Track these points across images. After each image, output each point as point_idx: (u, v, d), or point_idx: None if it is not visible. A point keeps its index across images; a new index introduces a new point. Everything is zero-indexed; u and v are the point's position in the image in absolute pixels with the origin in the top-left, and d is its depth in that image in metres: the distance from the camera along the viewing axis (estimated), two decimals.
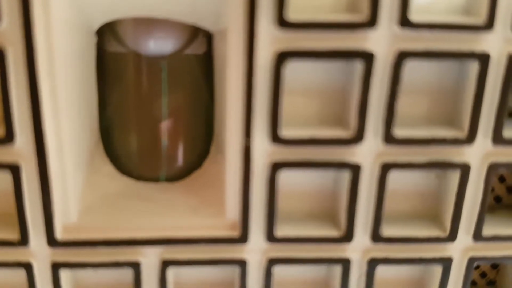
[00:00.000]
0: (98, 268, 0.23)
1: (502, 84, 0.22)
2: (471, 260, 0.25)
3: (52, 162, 0.22)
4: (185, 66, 0.26)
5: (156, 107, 0.26)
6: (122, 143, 0.27)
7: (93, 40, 0.25)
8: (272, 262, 0.24)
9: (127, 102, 0.26)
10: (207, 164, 0.27)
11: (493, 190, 0.28)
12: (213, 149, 0.27)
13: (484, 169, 0.24)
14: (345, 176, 0.23)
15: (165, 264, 0.24)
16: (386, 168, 0.23)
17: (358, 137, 0.22)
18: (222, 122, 0.24)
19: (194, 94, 0.26)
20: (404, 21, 0.21)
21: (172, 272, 0.24)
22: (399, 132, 0.23)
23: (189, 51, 0.26)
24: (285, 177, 0.24)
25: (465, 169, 0.23)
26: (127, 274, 0.24)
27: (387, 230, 0.24)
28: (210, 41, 0.26)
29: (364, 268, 0.25)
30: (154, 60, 0.25)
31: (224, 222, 0.24)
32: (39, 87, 0.20)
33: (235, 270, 0.25)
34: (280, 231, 0.24)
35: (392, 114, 0.22)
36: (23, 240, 0.23)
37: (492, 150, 0.23)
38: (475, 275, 0.30)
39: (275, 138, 0.22)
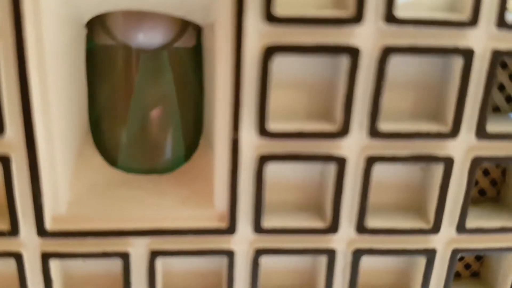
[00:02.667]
0: (87, 258, 0.24)
1: (485, 79, 0.23)
2: (455, 252, 0.26)
3: (41, 154, 0.22)
4: (175, 59, 0.26)
5: (145, 100, 0.26)
6: (112, 135, 0.27)
7: (82, 32, 0.25)
8: (259, 252, 0.24)
9: (117, 95, 0.26)
10: (196, 156, 0.27)
11: (477, 183, 0.29)
12: (202, 142, 0.27)
13: (467, 162, 0.24)
14: (331, 169, 0.24)
15: (154, 254, 0.24)
16: (371, 161, 0.23)
17: (344, 131, 0.23)
18: (210, 116, 0.24)
19: (183, 87, 0.27)
20: (390, 17, 0.21)
21: (161, 263, 0.25)
22: (384, 126, 0.23)
23: (178, 44, 0.26)
24: (272, 169, 0.24)
25: (448, 163, 0.24)
26: (116, 264, 0.24)
27: (371, 222, 0.25)
28: (200, 35, 0.26)
29: (349, 258, 0.25)
30: (144, 53, 0.25)
31: (212, 214, 0.24)
32: (29, 79, 0.21)
33: (223, 261, 0.25)
34: (267, 222, 0.24)
35: (377, 108, 0.22)
36: (13, 230, 0.23)
37: (476, 144, 0.24)
38: (459, 266, 0.30)
39: (263, 131, 0.22)
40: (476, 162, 0.24)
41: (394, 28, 0.21)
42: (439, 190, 0.24)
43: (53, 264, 0.24)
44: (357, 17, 0.21)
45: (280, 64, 0.23)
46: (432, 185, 0.25)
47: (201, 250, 0.24)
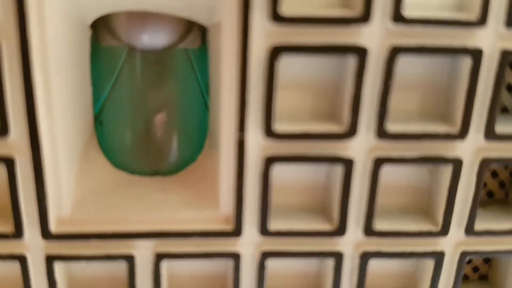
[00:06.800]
0: (92, 261, 0.24)
1: (494, 79, 0.22)
2: (463, 255, 0.25)
3: (46, 155, 0.22)
4: (179, 60, 0.26)
5: (150, 101, 0.26)
6: (116, 136, 0.27)
7: (87, 33, 0.25)
8: (266, 255, 0.24)
9: (121, 96, 0.26)
10: (201, 158, 0.27)
11: (485, 185, 0.29)
12: (207, 143, 0.27)
13: (476, 164, 0.24)
14: (338, 170, 0.23)
15: (159, 257, 0.24)
16: (378, 163, 0.23)
17: (351, 132, 0.22)
18: (216, 116, 0.24)
19: (188, 88, 0.27)
20: (397, 17, 0.21)
21: (166, 265, 0.25)
22: (391, 127, 0.23)
23: (183, 45, 0.26)
24: (279, 171, 0.24)
25: (457, 164, 0.24)
26: (121, 267, 0.24)
27: (379, 224, 0.24)
28: (205, 35, 0.26)
29: (356, 261, 0.25)
30: (148, 54, 0.25)
31: (218, 216, 0.24)
32: (33, 81, 0.20)
33: (229, 263, 0.25)
34: (274, 224, 0.24)
35: (385, 109, 0.22)
36: (18, 232, 0.23)
37: (485, 145, 0.23)
38: (467, 269, 0.30)
39: (269, 132, 0.22)
40: (485, 164, 0.24)
41: (402, 28, 0.21)
42: (447, 192, 0.24)
43: (58, 266, 0.24)
44: (365, 17, 0.21)
45: (287, 64, 0.22)
46: (440, 187, 0.25)
47: (207, 253, 0.24)
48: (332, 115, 0.24)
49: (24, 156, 0.22)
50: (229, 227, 0.24)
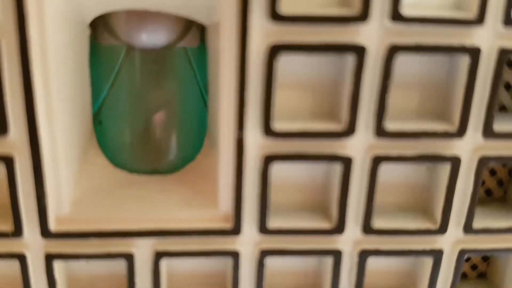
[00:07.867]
0: (91, 259, 0.23)
1: (492, 78, 0.22)
2: (462, 252, 0.26)
3: (45, 154, 0.22)
4: (179, 59, 0.26)
5: (149, 100, 0.26)
6: (115, 135, 0.27)
7: (86, 32, 0.25)
8: (265, 253, 0.24)
9: (120, 95, 0.26)
10: (200, 156, 0.27)
11: (483, 183, 0.29)
12: (206, 142, 0.27)
13: (474, 162, 0.24)
14: (337, 169, 0.24)
15: (158, 255, 0.24)
16: (377, 161, 0.23)
17: (349, 130, 0.22)
18: (215, 115, 0.24)
19: (187, 87, 0.27)
20: (396, 15, 0.21)
21: (165, 264, 0.25)
22: (390, 125, 0.23)
23: (182, 44, 0.26)
24: (278, 169, 0.24)
25: (455, 162, 0.24)
26: (121, 265, 0.24)
27: (378, 222, 0.24)
28: (204, 34, 0.26)
29: (355, 259, 0.25)
30: (147, 53, 0.25)
31: (217, 214, 0.24)
32: (32, 79, 0.20)
33: (228, 262, 0.25)
34: (273, 223, 0.24)
35: (383, 107, 0.22)
36: (17, 231, 0.23)
37: (483, 144, 0.24)
38: (466, 267, 0.30)
39: (268, 131, 0.22)
40: (483, 162, 0.24)
41: (400, 27, 0.21)
42: (445, 190, 0.24)
43: (57, 265, 0.24)
44: (363, 16, 0.21)
45: (285, 63, 0.23)
46: (438, 185, 0.25)
47: (206, 251, 0.24)
48: (330, 114, 0.24)
49: (23, 155, 0.22)
50: (228, 225, 0.24)
